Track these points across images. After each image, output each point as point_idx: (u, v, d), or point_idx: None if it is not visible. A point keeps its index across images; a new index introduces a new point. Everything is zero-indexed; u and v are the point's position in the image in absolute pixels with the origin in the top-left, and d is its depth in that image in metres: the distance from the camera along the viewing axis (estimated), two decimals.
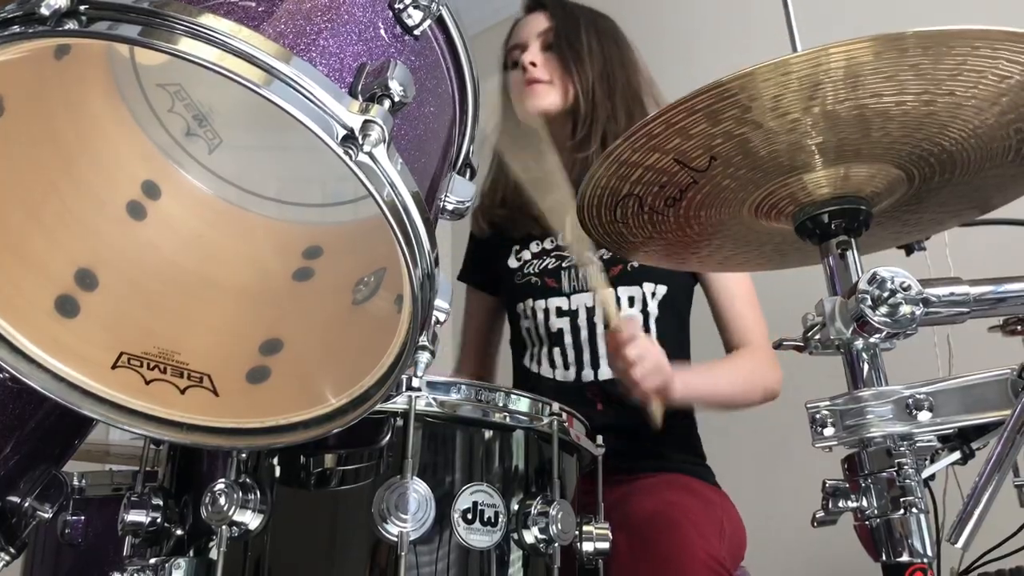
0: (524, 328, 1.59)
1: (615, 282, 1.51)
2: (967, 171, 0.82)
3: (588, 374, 1.49)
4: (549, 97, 1.55)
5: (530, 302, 1.57)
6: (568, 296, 1.53)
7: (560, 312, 1.53)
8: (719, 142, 0.77)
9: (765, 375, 1.48)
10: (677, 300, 1.55)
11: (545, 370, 1.54)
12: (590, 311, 1.51)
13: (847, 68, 0.68)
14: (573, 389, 1.49)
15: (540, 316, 1.55)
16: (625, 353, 1.24)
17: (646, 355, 1.25)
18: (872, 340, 0.76)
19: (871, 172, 0.81)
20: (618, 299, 1.50)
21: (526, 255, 1.61)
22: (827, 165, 0.79)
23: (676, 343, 1.55)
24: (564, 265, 1.56)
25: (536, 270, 1.58)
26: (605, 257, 1.53)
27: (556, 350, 1.53)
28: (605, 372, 1.48)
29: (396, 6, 0.67)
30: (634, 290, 1.51)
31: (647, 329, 1.51)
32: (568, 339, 1.52)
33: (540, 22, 1.61)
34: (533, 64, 1.55)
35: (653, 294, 1.51)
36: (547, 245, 1.60)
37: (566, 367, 1.51)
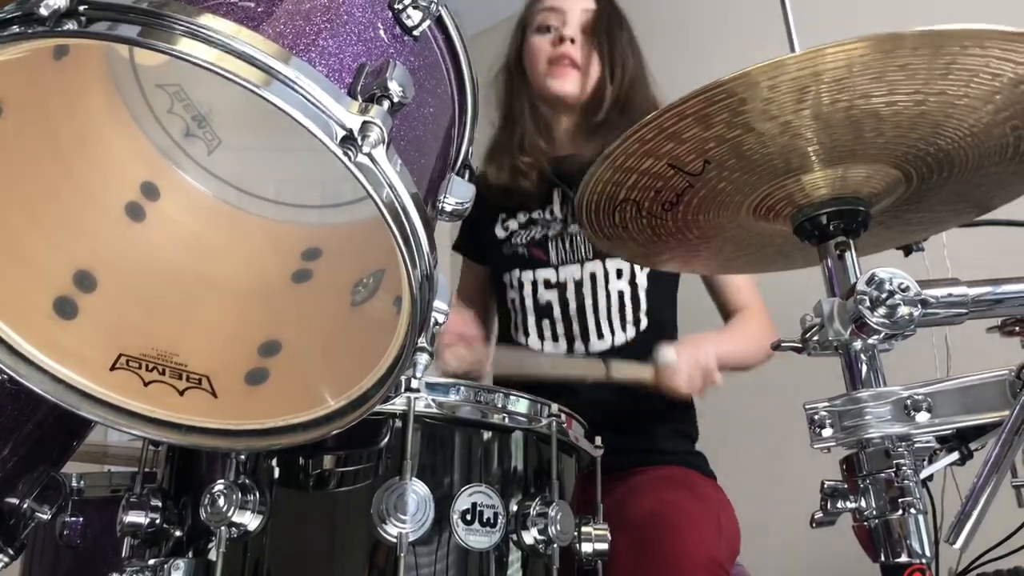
0: (510, 299, 1.58)
1: (604, 256, 1.51)
2: (965, 170, 0.82)
3: (579, 347, 1.49)
4: (574, 84, 1.54)
5: (517, 273, 1.55)
6: (556, 268, 1.53)
7: (548, 284, 1.53)
8: (712, 146, 0.77)
9: (769, 336, 1.49)
10: (664, 274, 1.55)
11: (533, 342, 1.53)
12: (578, 284, 1.51)
13: (835, 70, 0.68)
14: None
15: (527, 288, 1.54)
16: (679, 390, 1.29)
17: (692, 378, 1.29)
18: (870, 341, 0.76)
19: (868, 173, 0.81)
20: (606, 272, 1.50)
21: (513, 224, 1.60)
22: (824, 167, 0.79)
23: (664, 315, 1.55)
24: (551, 235, 1.55)
25: (523, 240, 1.57)
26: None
27: (545, 322, 1.52)
28: (596, 345, 1.49)
29: (396, 7, 0.67)
30: (622, 263, 1.51)
31: (636, 301, 1.51)
32: (557, 312, 1.51)
33: None
34: (573, 41, 1.53)
35: (642, 267, 1.51)
36: (534, 215, 1.59)
37: (555, 339, 1.51)
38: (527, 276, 1.55)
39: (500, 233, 1.61)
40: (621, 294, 1.50)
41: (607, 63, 1.54)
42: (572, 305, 1.51)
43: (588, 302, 1.50)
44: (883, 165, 0.80)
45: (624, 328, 1.50)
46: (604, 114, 1.51)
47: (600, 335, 1.49)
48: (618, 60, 1.54)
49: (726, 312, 1.56)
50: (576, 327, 1.50)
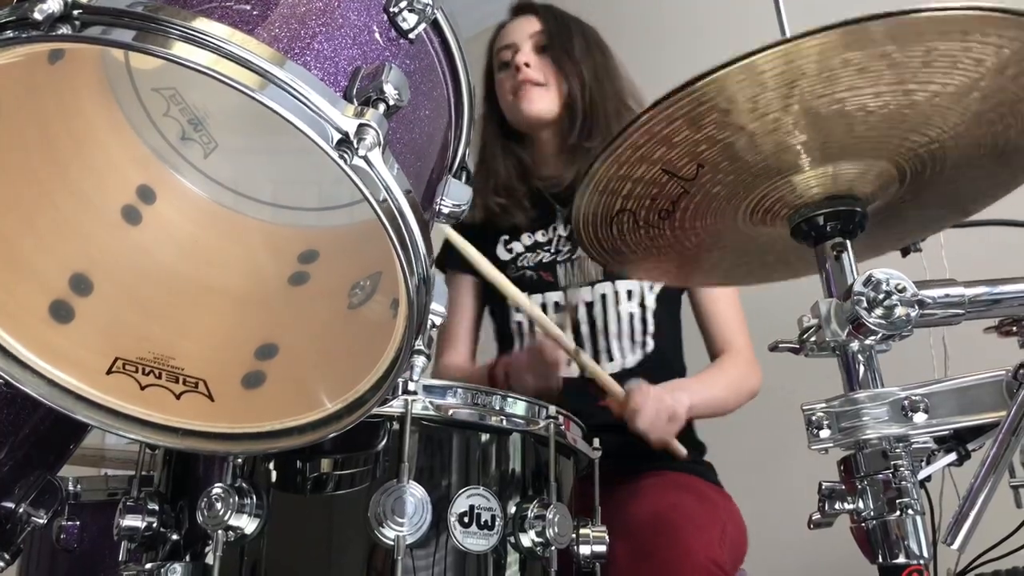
0: (516, 322, 1.58)
1: (613, 277, 1.51)
2: (958, 163, 0.82)
3: None
4: (544, 101, 1.56)
5: (525, 296, 1.56)
6: (564, 290, 1.53)
7: (558, 307, 1.53)
8: (704, 148, 0.77)
9: (749, 379, 1.51)
10: (673, 294, 1.56)
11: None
12: (589, 305, 1.51)
13: (818, 62, 0.67)
14: (574, 384, 1.49)
15: (538, 312, 1.53)
16: (638, 424, 1.27)
17: (656, 416, 1.28)
18: (868, 342, 0.76)
19: (860, 169, 0.80)
20: (616, 293, 1.51)
21: (518, 247, 1.60)
22: (815, 165, 0.79)
23: (669, 339, 1.56)
24: (560, 259, 1.56)
25: (531, 263, 1.58)
26: None
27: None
28: (606, 368, 1.48)
29: (391, 9, 0.67)
30: (632, 284, 1.51)
31: (644, 323, 1.51)
32: (568, 334, 1.51)
33: (531, 24, 1.62)
34: (527, 65, 1.56)
35: (651, 287, 1.52)
36: (539, 238, 1.59)
37: (568, 363, 1.51)
38: (536, 299, 1.54)
39: (503, 255, 1.61)
40: (631, 316, 1.51)
41: (572, 73, 1.55)
42: (583, 327, 1.51)
43: (600, 324, 1.51)
44: (874, 160, 0.80)
45: (633, 350, 1.51)
46: (579, 126, 1.53)
47: (611, 357, 1.50)
48: (578, 68, 1.55)
49: (711, 345, 1.57)
50: (588, 350, 1.50)
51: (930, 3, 0.64)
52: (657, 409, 1.28)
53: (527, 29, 1.61)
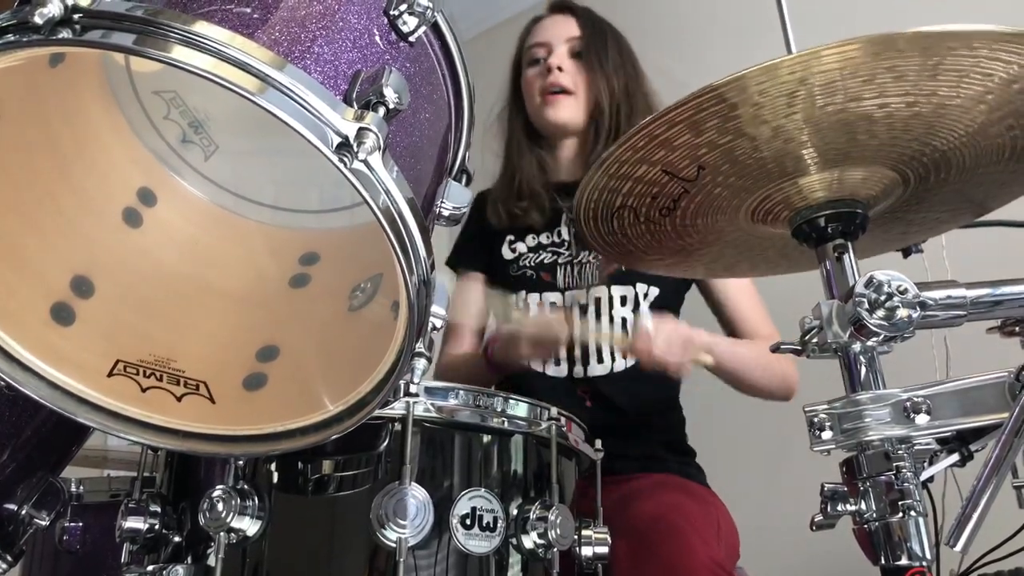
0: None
1: (609, 282, 1.52)
2: (963, 171, 0.82)
3: (579, 371, 1.49)
4: (571, 110, 1.56)
5: (523, 295, 1.56)
6: (562, 292, 1.54)
7: (553, 307, 1.54)
8: (705, 152, 0.77)
9: (781, 361, 1.46)
10: (668, 302, 1.56)
11: (536, 363, 1.53)
12: (583, 308, 1.52)
13: (826, 73, 0.67)
14: (563, 385, 1.49)
15: (533, 310, 1.55)
16: (654, 355, 1.26)
17: (669, 339, 1.27)
18: (869, 343, 0.76)
19: (865, 175, 0.80)
20: (611, 298, 1.51)
21: (521, 247, 1.61)
22: (820, 169, 0.79)
23: None
24: (560, 261, 1.56)
25: (532, 263, 1.58)
26: (598, 259, 1.53)
27: None
28: (596, 369, 1.49)
29: (391, 13, 0.67)
30: (627, 290, 1.52)
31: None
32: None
33: (569, 27, 1.61)
34: (560, 69, 1.55)
35: (646, 295, 1.52)
36: (543, 239, 1.60)
37: (557, 363, 1.51)
38: (533, 298, 1.55)
39: (507, 254, 1.61)
40: (624, 321, 1.51)
41: (603, 85, 1.54)
42: (576, 329, 1.50)
43: (592, 326, 1.50)
44: (879, 167, 0.80)
45: (625, 355, 1.50)
46: (604, 139, 1.52)
47: (600, 359, 1.49)
48: (610, 81, 1.55)
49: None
50: (578, 350, 1.50)
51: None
52: (668, 332, 1.27)
53: (565, 31, 1.60)
